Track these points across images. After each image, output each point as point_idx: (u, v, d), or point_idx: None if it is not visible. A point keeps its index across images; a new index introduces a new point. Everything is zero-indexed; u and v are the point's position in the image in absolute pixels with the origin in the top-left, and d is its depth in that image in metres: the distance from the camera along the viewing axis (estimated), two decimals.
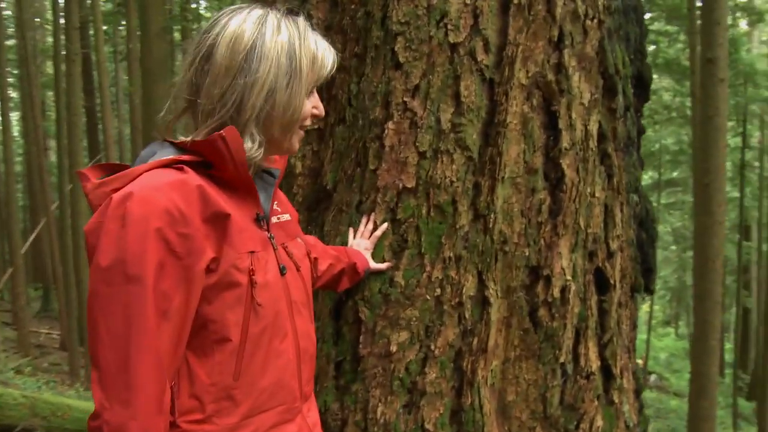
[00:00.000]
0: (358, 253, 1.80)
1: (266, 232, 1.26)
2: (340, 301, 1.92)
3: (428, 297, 1.82)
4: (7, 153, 13.18)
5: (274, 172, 1.36)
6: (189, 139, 1.19)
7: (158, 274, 1.03)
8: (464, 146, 1.85)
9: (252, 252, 1.18)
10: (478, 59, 1.86)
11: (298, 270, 1.33)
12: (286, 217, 1.40)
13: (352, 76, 1.99)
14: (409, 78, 1.87)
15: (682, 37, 15.07)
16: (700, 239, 7.94)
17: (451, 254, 1.83)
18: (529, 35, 1.90)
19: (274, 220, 1.33)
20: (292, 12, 1.26)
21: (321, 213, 2.05)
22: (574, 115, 1.96)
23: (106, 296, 1.01)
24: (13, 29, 17.14)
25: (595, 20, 2.02)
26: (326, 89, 2.07)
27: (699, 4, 12.81)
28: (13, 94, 19.84)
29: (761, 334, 15.18)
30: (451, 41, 1.86)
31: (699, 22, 10.42)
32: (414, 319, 1.81)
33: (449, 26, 1.86)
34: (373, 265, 1.83)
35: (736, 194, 16.91)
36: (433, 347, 1.81)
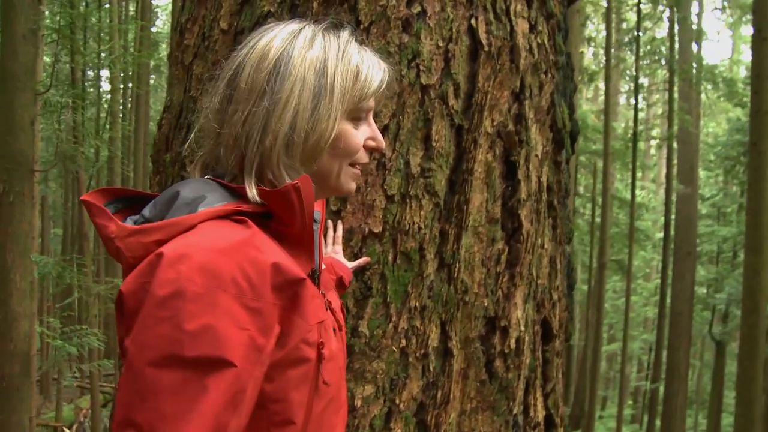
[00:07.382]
0: (340, 264, 1.58)
1: (320, 291, 1.08)
2: None
3: (394, 348, 1.73)
4: None
5: (316, 217, 1.18)
6: (245, 185, 0.98)
7: (227, 359, 0.81)
8: (433, 192, 1.79)
9: (321, 322, 0.97)
10: (449, 104, 1.82)
11: (340, 329, 1.14)
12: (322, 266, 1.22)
13: None
14: (378, 117, 1.79)
15: None
16: None
17: (417, 304, 1.76)
18: (496, 84, 1.90)
19: None
20: (335, 24, 1.07)
21: None
22: (531, 167, 1.97)
23: (153, 382, 0.78)
24: None
25: (549, 74, 2.06)
26: None
27: None
28: None
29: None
30: (423, 83, 1.80)
31: None
32: (380, 371, 1.71)
33: (421, 67, 1.80)
34: (352, 265, 1.66)
35: None
36: (397, 401, 1.72)
